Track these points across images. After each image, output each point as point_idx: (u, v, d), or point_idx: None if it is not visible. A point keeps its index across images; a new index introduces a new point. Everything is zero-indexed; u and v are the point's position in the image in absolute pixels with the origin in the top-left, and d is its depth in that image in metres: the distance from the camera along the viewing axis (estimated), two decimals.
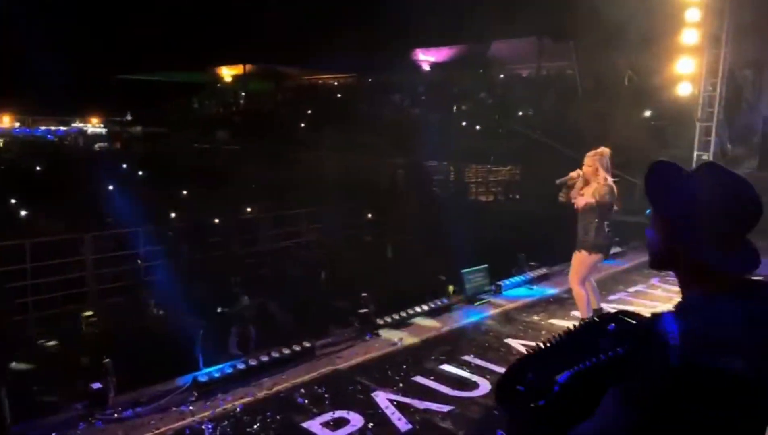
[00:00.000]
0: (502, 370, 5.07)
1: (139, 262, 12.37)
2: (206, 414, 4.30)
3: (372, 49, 28.66)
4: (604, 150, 5.85)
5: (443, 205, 19.66)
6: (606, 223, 5.78)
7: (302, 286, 9.84)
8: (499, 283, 7.28)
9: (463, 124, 26.46)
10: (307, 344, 5.32)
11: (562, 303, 7.02)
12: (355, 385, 4.80)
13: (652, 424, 1.59)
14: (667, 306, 4.72)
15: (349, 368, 5.15)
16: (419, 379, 4.94)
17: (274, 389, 4.72)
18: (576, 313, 6.51)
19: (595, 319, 1.93)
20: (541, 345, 1.98)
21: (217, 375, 4.69)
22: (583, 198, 5.81)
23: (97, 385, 4.26)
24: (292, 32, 29.30)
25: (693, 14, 10.86)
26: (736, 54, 11.41)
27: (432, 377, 4.97)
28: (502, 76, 30.18)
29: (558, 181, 5.95)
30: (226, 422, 4.21)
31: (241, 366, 4.85)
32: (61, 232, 12.96)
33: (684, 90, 11.16)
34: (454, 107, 29.28)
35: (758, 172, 10.93)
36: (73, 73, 35.02)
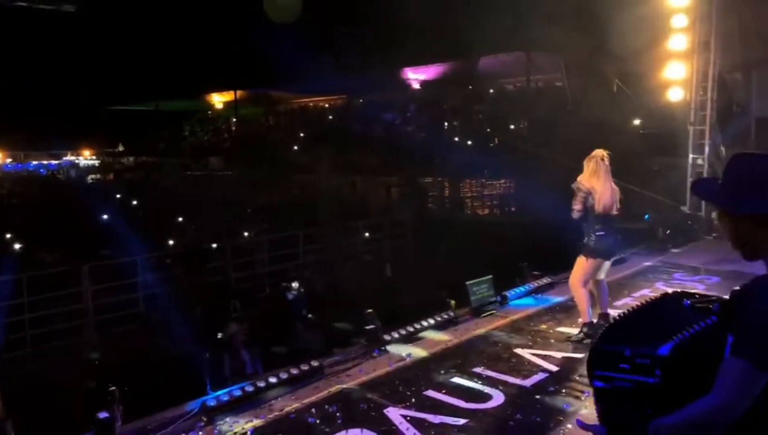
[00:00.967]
0: (513, 380, 5.04)
1: (138, 290, 12.25)
2: None
3: (362, 70, 28.86)
4: (596, 152, 5.85)
5: (440, 221, 19.68)
6: (599, 226, 5.74)
7: (303, 307, 9.74)
8: (504, 293, 7.22)
9: (456, 139, 26.55)
10: (314, 363, 5.23)
11: (569, 311, 6.94)
12: (367, 403, 4.71)
13: None
14: None
15: (358, 386, 5.06)
16: (431, 393, 4.86)
17: (285, 410, 4.63)
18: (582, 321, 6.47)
19: (664, 296, 1.88)
20: (617, 319, 1.92)
21: (225, 398, 4.59)
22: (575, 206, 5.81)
23: (103, 414, 4.15)
24: (282, 56, 29.44)
25: (680, 20, 10.99)
26: (724, 58, 11.54)
27: (444, 391, 4.88)
28: (492, 91, 30.38)
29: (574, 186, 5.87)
30: None
31: (249, 388, 4.75)
32: (57, 264, 12.86)
33: (675, 95, 11.24)
34: (446, 124, 29.45)
35: None
36: (64, 107, 35.13)
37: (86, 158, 44.75)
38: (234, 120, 38.64)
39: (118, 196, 27.19)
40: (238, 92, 36.40)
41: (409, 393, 4.87)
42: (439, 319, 6.40)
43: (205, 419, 4.44)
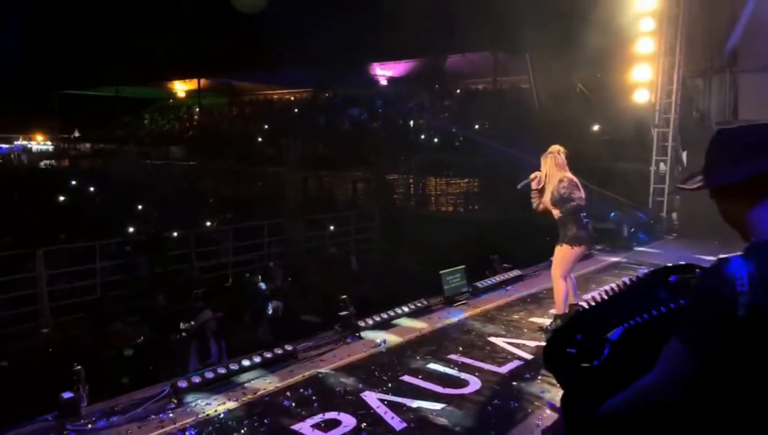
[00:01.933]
0: (489, 367, 5.03)
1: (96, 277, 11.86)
2: (189, 421, 4.05)
3: (328, 64, 28.63)
4: (554, 147, 5.91)
5: (405, 216, 19.70)
6: (582, 214, 5.81)
7: (268, 298, 9.56)
8: (475, 284, 7.24)
9: (422, 137, 26.62)
10: (288, 348, 5.12)
11: (540, 302, 7.02)
12: (343, 387, 4.63)
13: (714, 377, 1.52)
14: None
15: (333, 370, 4.97)
16: (407, 378, 4.81)
17: (258, 393, 4.51)
18: (554, 311, 6.52)
19: (656, 270, 1.86)
20: (596, 299, 1.90)
21: (197, 380, 4.44)
22: (544, 202, 5.87)
23: (68, 394, 3.96)
24: (248, 47, 28.96)
25: (648, 23, 11.23)
26: (687, 63, 11.84)
27: (420, 376, 4.84)
28: (458, 90, 30.56)
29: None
30: (210, 428, 3.97)
31: (222, 371, 4.61)
32: (10, 249, 12.33)
33: (641, 97, 11.49)
34: (411, 121, 29.47)
35: None
36: (16, 88, 33.74)
37: (39, 143, 43.11)
38: (197, 109, 37.85)
39: (73, 182, 26.34)
40: (202, 81, 35.64)
41: (385, 378, 4.81)
42: (413, 307, 6.36)
43: (175, 401, 4.29)
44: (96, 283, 11.87)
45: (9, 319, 10.11)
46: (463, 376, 4.86)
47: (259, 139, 31.26)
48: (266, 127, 33.09)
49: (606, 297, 1.87)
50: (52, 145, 41.31)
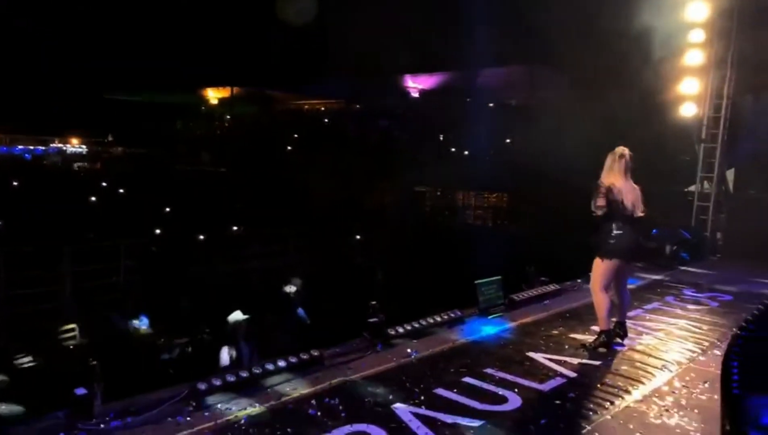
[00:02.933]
0: (529, 384, 4.65)
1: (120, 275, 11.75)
2: (207, 426, 3.77)
3: (362, 76, 28.64)
4: (618, 150, 5.53)
5: (434, 228, 19.38)
6: (616, 225, 5.40)
7: (295, 304, 9.29)
8: (511, 296, 6.87)
9: (452, 150, 26.34)
10: (315, 353, 4.82)
11: (580, 318, 6.61)
12: (372, 398, 4.30)
13: None
14: (684, 323, 4.37)
15: (361, 379, 4.65)
16: (441, 391, 4.46)
17: (282, 400, 4.21)
18: (595, 328, 6.11)
19: None
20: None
21: (217, 383, 4.16)
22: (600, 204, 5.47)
23: (81, 391, 3.71)
24: (284, 57, 29.15)
25: (698, 35, 10.77)
26: (736, 79, 11.33)
27: (455, 390, 4.49)
28: (491, 105, 30.23)
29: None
30: (229, 434, 3.68)
31: (244, 374, 4.32)
32: (37, 246, 12.30)
33: (688, 111, 11.00)
34: (441, 135, 29.25)
35: (763, 194, 10.77)
36: (54, 92, 34.40)
37: (74, 146, 43.84)
38: (228, 117, 38.16)
39: (104, 184, 26.58)
40: (235, 89, 35.95)
41: (417, 390, 4.47)
42: (445, 317, 6.02)
43: (194, 404, 4.01)
44: (119, 281, 11.78)
45: (32, 314, 9.98)
46: (501, 392, 4.49)
47: (289, 148, 31.31)
48: (296, 136, 33.18)
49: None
50: (86, 148, 41.96)
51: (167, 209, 18.76)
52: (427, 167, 24.37)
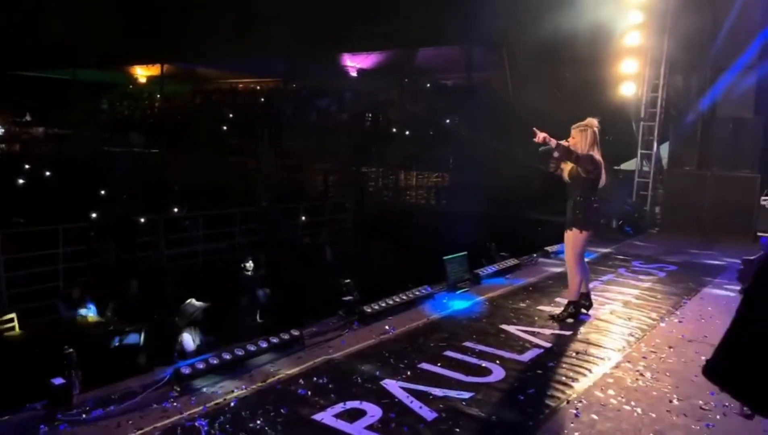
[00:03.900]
0: (509, 355, 4.74)
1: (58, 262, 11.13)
2: (197, 410, 3.64)
3: (298, 53, 28.02)
4: (590, 121, 5.66)
5: (378, 208, 19.40)
6: (593, 198, 5.58)
7: (259, 285, 9.09)
8: (476, 271, 6.97)
9: (393, 130, 26.34)
10: (295, 333, 4.73)
11: (543, 291, 6.80)
12: (359, 375, 4.27)
13: None
14: (638, 292, 4.61)
15: (345, 357, 4.62)
16: (425, 365, 4.49)
17: (268, 381, 4.11)
18: (560, 300, 6.32)
19: None
20: None
21: (201, 366, 4.01)
22: (563, 170, 5.61)
23: (58, 380, 3.49)
24: (216, 33, 28.08)
25: (636, 16, 11.16)
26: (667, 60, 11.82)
27: (439, 364, 4.53)
28: (428, 85, 30.34)
29: (541, 150, 5.66)
30: (222, 418, 3.56)
31: (227, 356, 4.19)
32: None
33: (627, 90, 11.42)
34: (380, 115, 29.13)
35: (697, 170, 11.36)
36: None
37: None
38: (158, 96, 36.60)
39: (27, 166, 25.02)
40: (165, 67, 34.47)
41: (402, 366, 4.47)
42: (417, 293, 6.04)
43: (178, 389, 3.86)
44: (58, 269, 11.16)
45: None
46: (485, 364, 4.56)
47: (224, 129, 30.43)
48: (231, 116, 32.25)
49: None
50: (1, 129, 39.28)
51: (102, 192, 17.84)
52: (369, 147, 24.30)
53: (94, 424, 3.46)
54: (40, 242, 11.19)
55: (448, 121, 26.77)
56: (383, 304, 5.60)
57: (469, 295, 6.44)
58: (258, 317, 7.76)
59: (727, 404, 3.82)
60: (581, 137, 5.54)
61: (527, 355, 4.78)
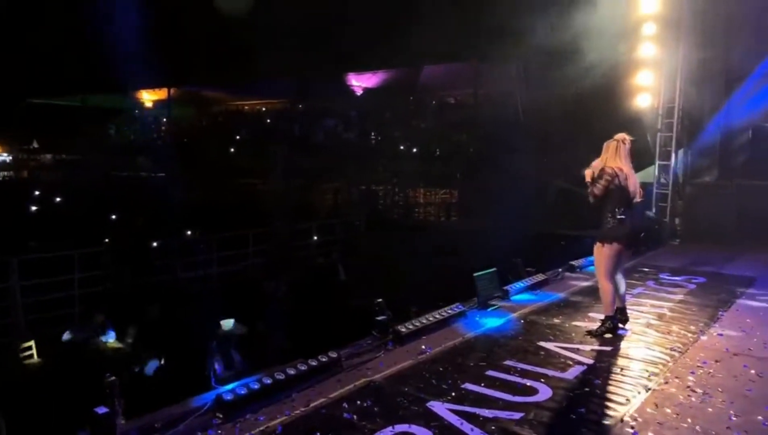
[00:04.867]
0: (552, 373, 4.60)
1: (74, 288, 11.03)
2: None
3: (304, 74, 28.18)
4: (618, 135, 5.60)
5: (390, 225, 19.30)
6: (618, 210, 5.47)
7: (274, 309, 8.98)
8: (505, 288, 6.85)
9: (401, 147, 26.37)
10: (333, 355, 4.61)
11: (575, 306, 6.67)
12: (403, 397, 4.14)
13: None
14: (672, 305, 4.50)
15: (385, 379, 4.49)
16: (469, 386, 4.36)
17: (311, 405, 3.99)
18: (593, 315, 6.21)
19: None
20: None
21: (242, 392, 3.89)
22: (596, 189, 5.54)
23: (102, 409, 3.38)
24: (222, 56, 28.28)
25: (650, 28, 11.14)
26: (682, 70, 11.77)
27: (482, 384, 4.40)
28: (434, 102, 30.44)
29: (583, 173, 5.63)
30: None
31: (267, 381, 4.07)
32: None
33: (643, 101, 11.37)
34: (387, 132, 29.18)
35: (718, 180, 11.26)
36: None
37: None
38: (165, 120, 36.80)
39: (36, 193, 25.06)
40: (172, 91, 34.69)
41: (445, 386, 4.35)
42: (450, 311, 5.92)
43: (221, 415, 3.74)
44: (74, 295, 11.07)
45: None
46: (529, 383, 4.43)
47: (231, 150, 30.51)
48: (238, 137, 32.37)
49: None
50: (9, 156, 39.46)
51: (113, 217, 17.80)
52: (377, 165, 24.30)
53: None
54: (53, 268, 11.10)
55: (455, 136, 26.80)
56: (417, 324, 5.48)
57: (501, 312, 6.32)
58: (285, 339, 7.63)
59: None
60: (606, 151, 5.50)
61: (571, 373, 4.65)
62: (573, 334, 5.64)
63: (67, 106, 36.08)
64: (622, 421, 3.81)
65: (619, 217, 5.47)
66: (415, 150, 26.02)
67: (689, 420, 3.82)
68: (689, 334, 5.62)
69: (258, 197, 22.92)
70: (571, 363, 4.86)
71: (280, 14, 24.64)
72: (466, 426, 3.71)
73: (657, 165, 11.50)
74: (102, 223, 16.94)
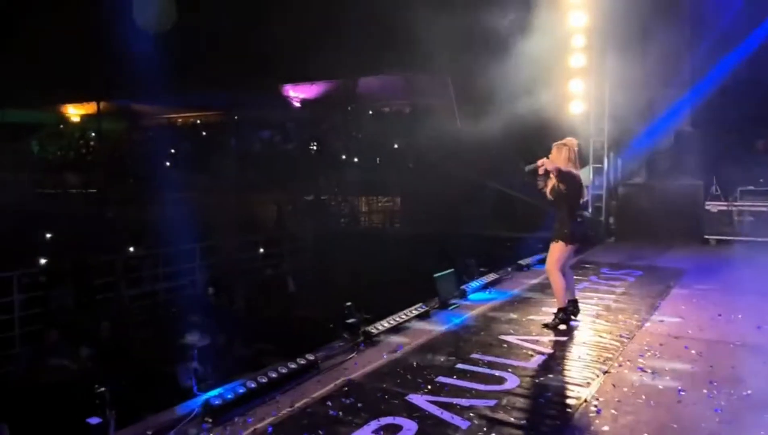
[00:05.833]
0: (517, 363, 4.94)
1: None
2: None
3: (239, 86, 27.96)
4: (569, 140, 6.02)
5: (335, 235, 19.42)
6: (577, 211, 5.92)
7: (227, 322, 8.96)
8: (462, 288, 7.16)
9: (343, 157, 26.56)
10: (310, 357, 4.76)
11: (528, 301, 7.07)
12: (383, 392, 4.34)
13: None
14: (615, 297, 5.00)
15: (363, 377, 4.67)
16: (443, 379, 4.60)
17: (296, 406, 4.12)
18: (546, 309, 6.60)
19: None
20: None
21: (230, 396, 3.99)
22: (548, 187, 5.95)
23: (94, 420, 3.41)
24: (152, 69, 27.67)
25: (579, 40, 11.85)
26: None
27: (455, 376, 4.66)
28: (370, 112, 30.81)
29: (527, 168, 5.96)
30: None
31: (251, 385, 4.18)
32: None
33: (576, 108, 12.04)
34: (327, 142, 29.31)
35: (646, 182, 12.07)
36: None
37: None
38: (93, 134, 35.54)
39: None
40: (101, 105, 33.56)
41: (420, 380, 4.57)
42: (415, 311, 6.18)
43: (210, 420, 3.82)
44: (13, 318, 10.63)
45: None
46: (497, 373, 4.72)
47: (167, 164, 29.81)
48: (173, 151, 31.66)
49: None
50: None
51: (48, 235, 17.10)
52: (318, 175, 24.39)
53: None
54: None
55: (396, 145, 27.24)
56: (386, 324, 5.70)
57: (461, 310, 6.62)
58: (244, 348, 7.66)
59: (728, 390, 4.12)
60: (558, 154, 5.88)
61: (534, 362, 4.98)
62: (531, 327, 6.00)
63: None
64: (586, 401, 4.14)
65: (579, 218, 5.90)
66: (356, 159, 26.26)
67: (643, 397, 4.19)
68: (634, 322, 6.09)
69: (197, 210, 22.53)
70: (532, 353, 5.19)
71: (206, 26, 24.50)
72: (446, 415, 3.95)
73: (591, 168, 12.18)
74: (33, 243, 16.24)
